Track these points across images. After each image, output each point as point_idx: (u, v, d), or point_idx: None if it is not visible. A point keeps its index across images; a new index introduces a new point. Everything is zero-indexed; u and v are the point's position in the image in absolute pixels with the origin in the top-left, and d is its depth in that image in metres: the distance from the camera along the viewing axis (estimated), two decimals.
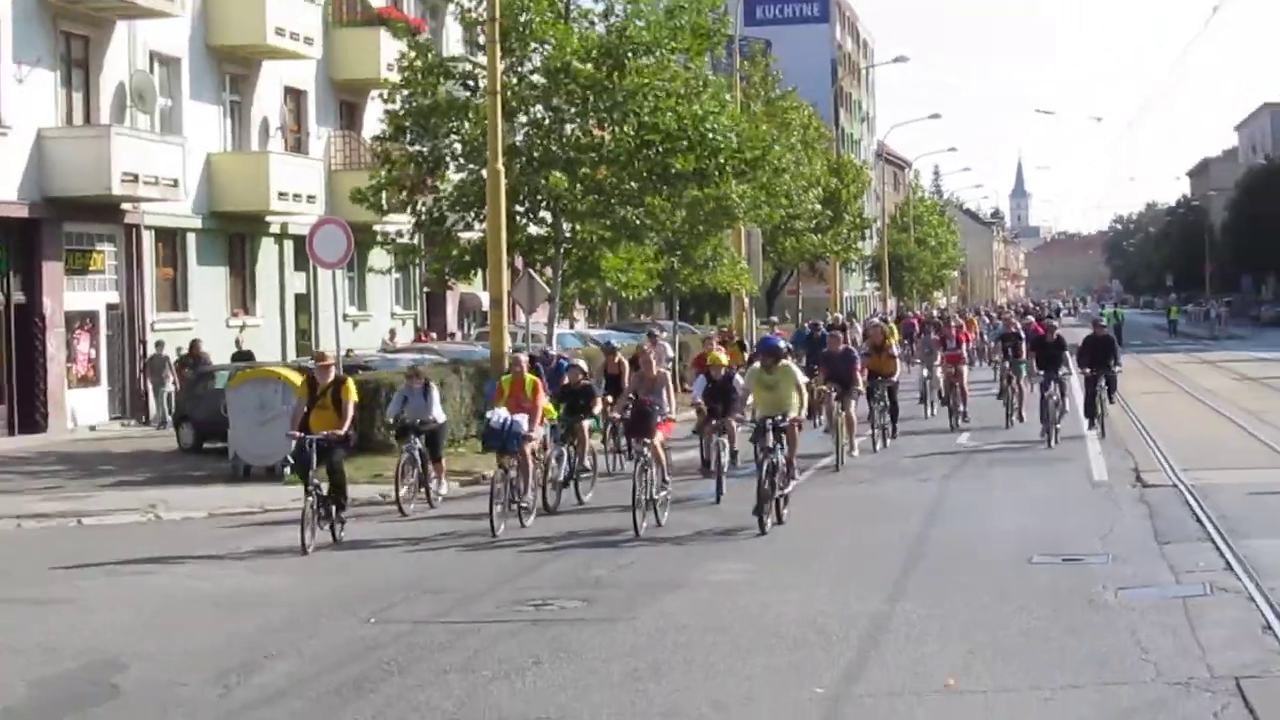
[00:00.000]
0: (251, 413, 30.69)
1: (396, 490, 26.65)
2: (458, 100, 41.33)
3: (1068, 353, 38.58)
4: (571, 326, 55.62)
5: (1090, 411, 36.43)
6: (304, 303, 54.54)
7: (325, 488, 22.95)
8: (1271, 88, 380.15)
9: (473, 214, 41.02)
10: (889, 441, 35.99)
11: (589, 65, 39.75)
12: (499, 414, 24.09)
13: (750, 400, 24.92)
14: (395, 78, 44.82)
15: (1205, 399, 49.98)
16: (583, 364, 30.07)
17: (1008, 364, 40.82)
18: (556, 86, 40.43)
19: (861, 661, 15.02)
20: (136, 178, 43.46)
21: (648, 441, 24.10)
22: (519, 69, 40.92)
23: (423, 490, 27.51)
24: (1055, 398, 35.24)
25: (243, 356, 42.46)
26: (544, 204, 41.27)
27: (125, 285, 46.22)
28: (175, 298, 48.90)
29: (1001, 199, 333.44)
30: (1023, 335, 41.88)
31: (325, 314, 52.38)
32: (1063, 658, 14.85)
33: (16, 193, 41.31)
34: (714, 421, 27.46)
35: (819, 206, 79.23)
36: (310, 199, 51.58)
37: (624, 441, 30.45)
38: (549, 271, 42.86)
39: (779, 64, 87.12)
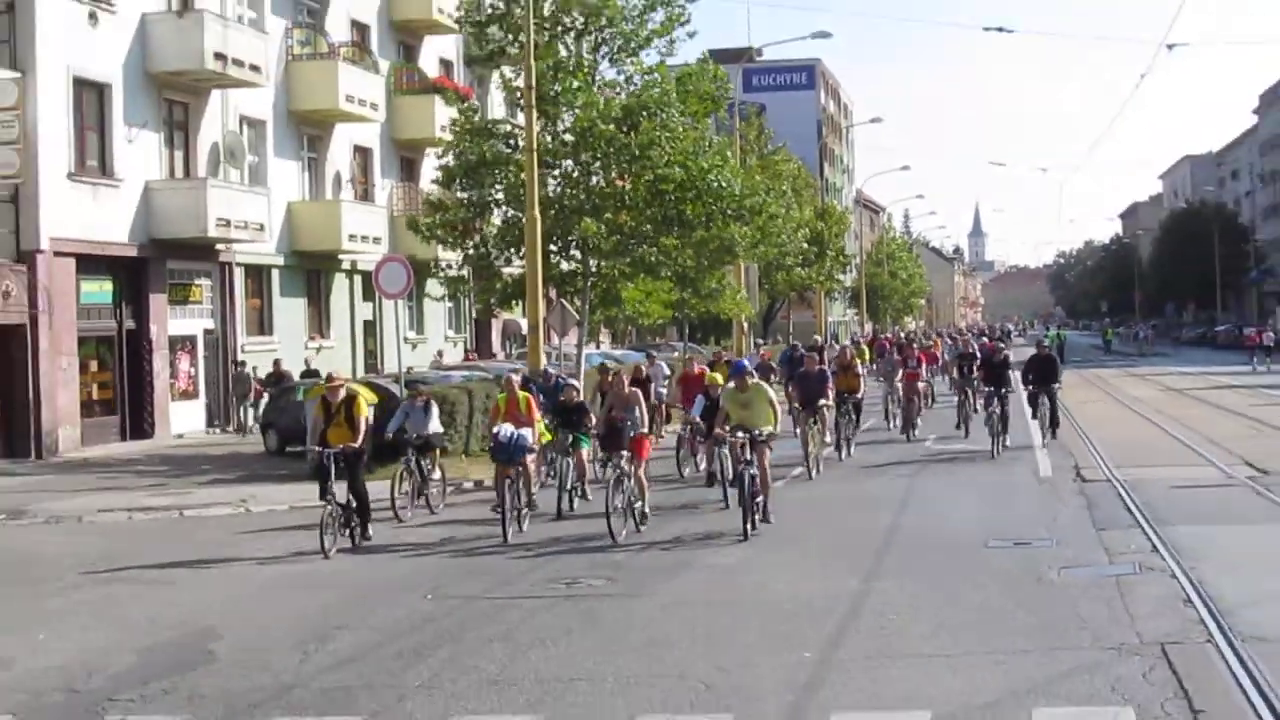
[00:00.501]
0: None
1: (393, 498, 24.97)
2: (500, 156, 41.34)
3: (1012, 371, 37.43)
4: (597, 347, 55.48)
5: (1038, 420, 36.06)
6: (370, 328, 54.53)
7: (342, 496, 21.47)
8: (1191, 142, 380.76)
9: (513, 252, 41.06)
10: (852, 451, 34.10)
11: (610, 126, 39.80)
12: (505, 429, 22.86)
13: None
14: (447, 137, 44.94)
15: (1134, 407, 49.93)
16: (576, 383, 28.62)
17: (963, 379, 40.59)
18: (584, 144, 40.48)
19: (843, 631, 15.05)
20: (229, 223, 43.62)
21: (623, 454, 22.37)
22: (552, 129, 40.94)
23: (421, 497, 25.87)
24: (998, 412, 33.31)
25: (309, 374, 42.33)
26: (574, 244, 41.28)
27: (219, 314, 46.35)
28: (261, 324, 48.96)
29: (961, 238, 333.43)
30: (977, 355, 41.38)
31: (389, 337, 52.51)
32: (1014, 627, 14.89)
33: (127, 235, 41.45)
34: (714, 435, 24.69)
35: (806, 245, 79.84)
36: (375, 240, 51.61)
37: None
38: (578, 301, 42.82)
39: (771, 124, 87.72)
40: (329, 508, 20.91)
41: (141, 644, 15.53)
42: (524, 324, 43.63)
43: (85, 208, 39.73)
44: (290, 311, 50.57)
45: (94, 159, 40.59)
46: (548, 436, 26.13)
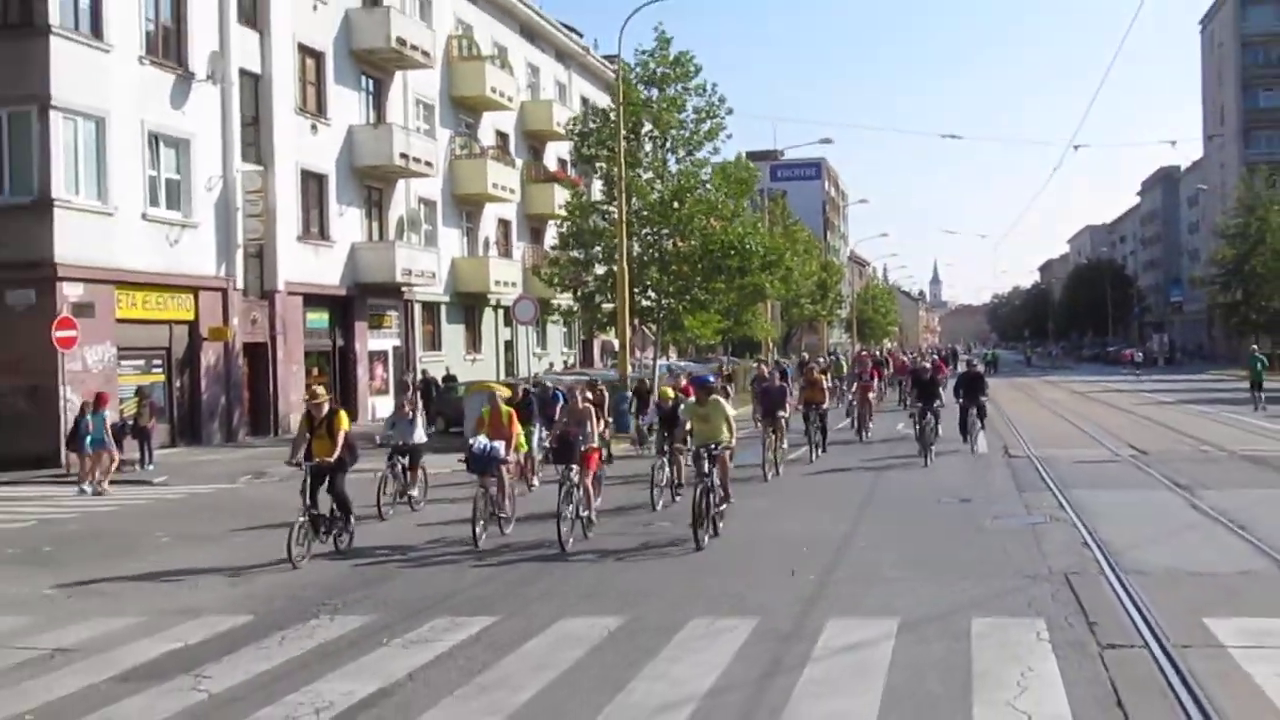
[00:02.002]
0: (475, 410, 30.56)
1: (378, 500, 20.33)
2: (599, 227, 41.54)
3: (942, 388, 31.61)
4: (666, 360, 55.35)
5: (964, 430, 29.83)
6: (509, 345, 54.57)
7: (324, 506, 16.74)
8: (1089, 215, 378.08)
9: (609, 294, 41.15)
10: (821, 454, 28.53)
11: (659, 201, 40.38)
12: (480, 441, 18.10)
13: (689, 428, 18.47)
14: (563, 213, 45.24)
15: (1047, 405, 49.47)
16: (576, 394, 20.58)
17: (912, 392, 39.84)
18: (650, 218, 40.75)
19: (836, 561, 14.90)
20: (410, 272, 43.78)
21: (572, 466, 17.17)
22: (633, 206, 41.00)
23: (405, 498, 21.35)
24: (930, 424, 27.47)
25: (449, 379, 42.40)
26: (649, 288, 41.46)
27: (403, 335, 46.38)
28: (433, 343, 48.97)
29: (924, 283, 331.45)
30: (925, 371, 32.77)
31: (521, 352, 52.63)
32: (958, 560, 14.70)
33: (339, 280, 41.64)
34: (673, 446, 20.60)
35: (814, 289, 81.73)
36: (512, 284, 51.63)
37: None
38: (653, 327, 43.07)
39: (790, 203, 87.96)
40: (302, 518, 15.94)
41: (342, 567, 15.54)
42: (615, 343, 43.68)
43: (309, 261, 39.91)
44: (453, 334, 50.49)
45: (315, 227, 40.73)
46: (524, 446, 21.03)
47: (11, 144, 29.82)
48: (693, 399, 18.69)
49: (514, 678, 9.90)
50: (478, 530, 16.78)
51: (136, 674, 10.35)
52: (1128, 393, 57.07)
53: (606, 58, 61.74)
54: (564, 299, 46.41)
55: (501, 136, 54.57)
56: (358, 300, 42.85)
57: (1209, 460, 25.93)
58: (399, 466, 21.46)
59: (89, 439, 25.69)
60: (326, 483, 16.76)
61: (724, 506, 17.48)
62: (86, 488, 25.19)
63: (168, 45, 34.04)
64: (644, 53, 41.40)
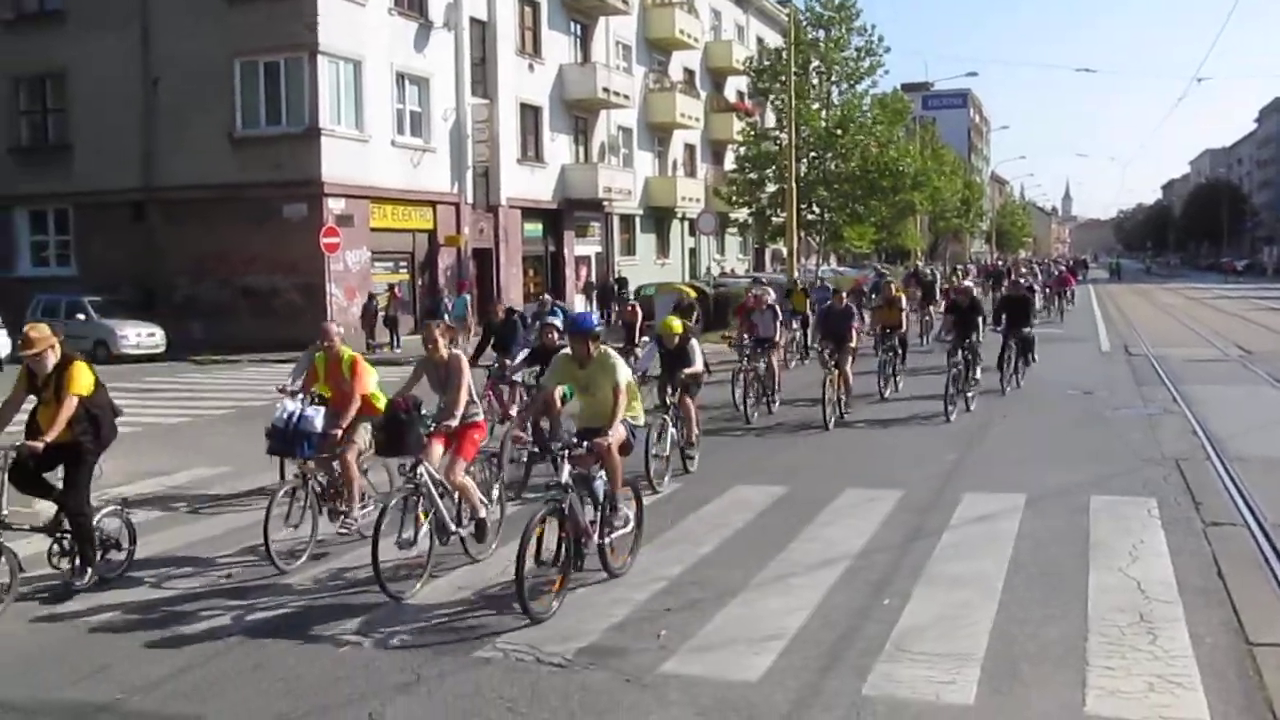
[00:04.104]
0: (664, 307, 30.35)
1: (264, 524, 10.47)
2: (771, 152, 41.11)
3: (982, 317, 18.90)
4: (829, 264, 54.69)
5: (1001, 369, 19.59)
6: (693, 253, 54.43)
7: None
8: (1209, 139, 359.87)
9: (779, 209, 40.80)
10: (898, 388, 19.72)
11: (825, 129, 39.73)
12: (284, 408, 9.69)
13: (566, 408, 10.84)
14: (739, 138, 44.80)
15: (1163, 308, 47.78)
16: (558, 322, 13.11)
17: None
18: (817, 142, 40.15)
19: (978, 441, 14.74)
20: (610, 189, 43.83)
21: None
22: (801, 133, 40.39)
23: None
24: (961, 367, 17.53)
25: (620, 283, 42.16)
26: (814, 204, 40.98)
27: (604, 243, 46.62)
28: (629, 249, 49.17)
29: (1056, 199, 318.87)
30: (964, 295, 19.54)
31: (702, 258, 52.58)
32: (1081, 446, 14.40)
33: (550, 196, 41.90)
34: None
35: (959, 204, 78.89)
36: (696, 200, 51.26)
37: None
38: (817, 238, 42.63)
39: (938, 128, 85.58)
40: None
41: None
42: (784, 251, 43.40)
43: (526, 180, 40.26)
44: (645, 242, 50.45)
45: (531, 150, 40.99)
46: (380, 400, 10.09)
47: (288, 84, 30.76)
48: (565, 354, 9.05)
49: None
50: (276, 560, 8.96)
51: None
52: (1237, 298, 54.63)
53: (779, 1, 60.48)
54: (740, 213, 46.21)
55: (688, 72, 53.96)
56: (566, 213, 43.15)
57: None
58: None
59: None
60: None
61: (628, 527, 8.85)
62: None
63: None
64: None
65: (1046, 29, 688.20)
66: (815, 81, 42.31)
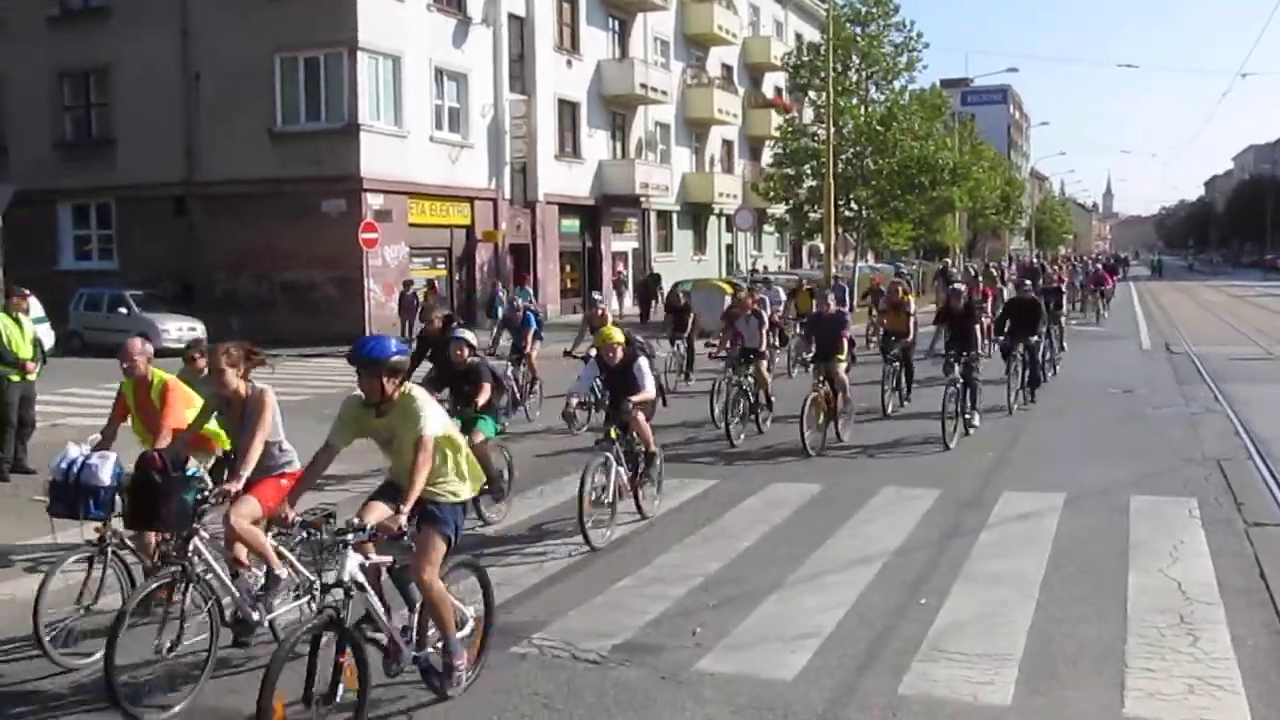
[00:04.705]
0: (702, 301, 30.10)
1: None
2: (809, 147, 41.00)
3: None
4: (866, 262, 54.42)
5: (1010, 382, 17.14)
6: (729, 249, 54.32)
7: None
8: (1253, 135, 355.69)
9: (815, 205, 40.68)
10: (904, 403, 17.17)
11: (867, 126, 39.49)
12: (66, 454, 7.07)
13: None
14: (777, 134, 44.74)
15: (1205, 305, 47.33)
16: (470, 336, 10.66)
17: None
18: (857, 139, 40.00)
19: (1014, 441, 14.61)
20: (647, 185, 43.80)
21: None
22: (839, 130, 40.19)
23: None
24: (958, 386, 14.61)
25: (654, 277, 41.71)
26: (851, 201, 40.84)
27: (641, 239, 46.62)
28: (666, 245, 49.14)
29: (1097, 195, 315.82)
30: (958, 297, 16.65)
31: (740, 254, 52.43)
32: (1120, 444, 14.29)
33: (588, 192, 41.93)
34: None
35: (998, 201, 78.58)
36: (733, 196, 51.08)
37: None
38: (854, 235, 42.53)
39: (978, 125, 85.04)
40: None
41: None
42: (822, 247, 43.28)
43: (563, 175, 40.30)
44: (682, 238, 50.44)
45: (569, 146, 41.04)
46: (223, 438, 7.81)
47: (327, 80, 30.94)
48: (356, 396, 6.27)
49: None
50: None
51: None
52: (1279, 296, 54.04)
53: None
54: (777, 209, 46.06)
55: (726, 68, 53.85)
56: (603, 208, 43.17)
57: None
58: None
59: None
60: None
61: (466, 671, 6.38)
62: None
63: None
64: None
65: (1087, 24, 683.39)
66: (854, 78, 42.18)
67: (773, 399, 15.78)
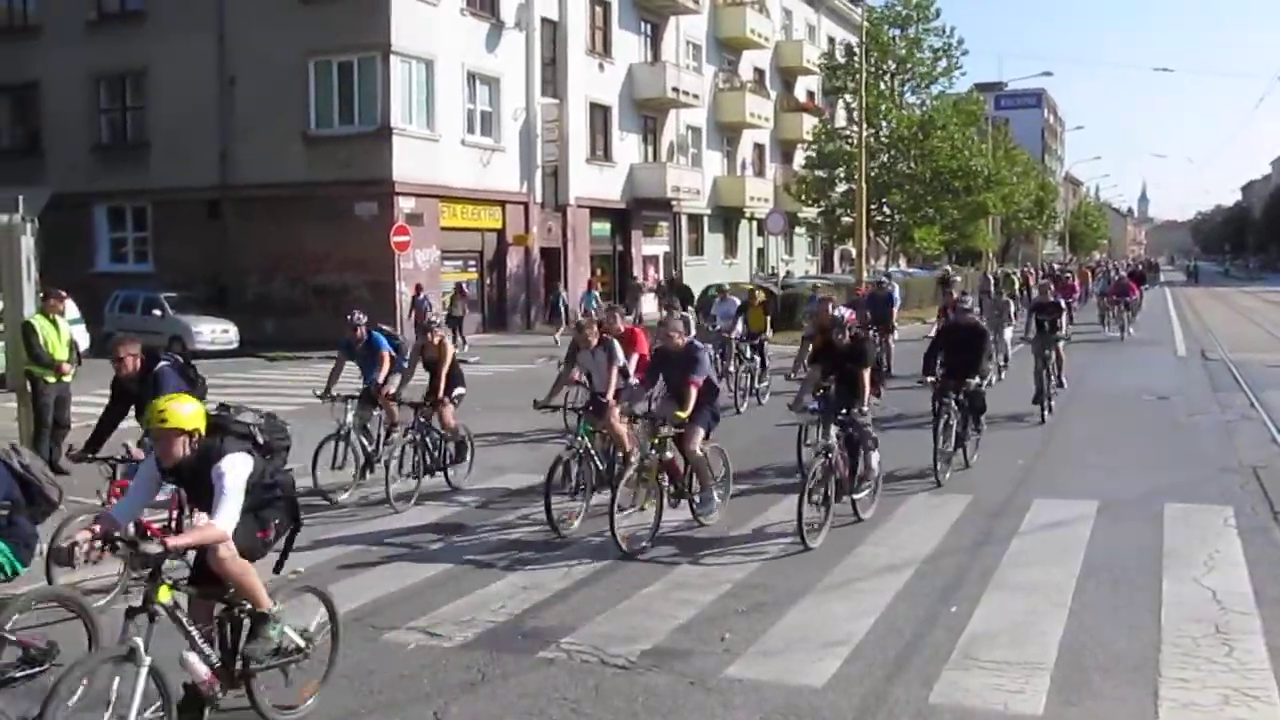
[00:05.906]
0: (720, 309, 29.88)
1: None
2: (842, 150, 40.90)
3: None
4: (899, 266, 54.23)
5: (1039, 388, 16.73)
6: (761, 253, 54.23)
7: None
8: None
9: (849, 209, 40.58)
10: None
11: (907, 131, 39.24)
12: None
13: None
14: (810, 138, 44.68)
15: (1242, 311, 46.82)
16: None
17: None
18: (892, 144, 39.83)
19: (1045, 448, 14.51)
20: (679, 189, 43.84)
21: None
22: (874, 134, 40.09)
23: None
24: (952, 412, 12.34)
25: (671, 281, 41.63)
26: (884, 205, 40.70)
27: (672, 242, 46.62)
28: (697, 248, 49.12)
29: (1132, 200, 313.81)
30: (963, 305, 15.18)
31: (770, 258, 52.35)
32: (1155, 452, 14.18)
33: (619, 195, 42.04)
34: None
35: (1031, 205, 78.40)
36: (765, 200, 51.02)
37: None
38: (886, 239, 42.37)
39: (1013, 130, 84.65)
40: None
41: None
42: (853, 251, 43.15)
43: (595, 179, 40.39)
44: (713, 242, 50.43)
45: (600, 150, 41.14)
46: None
47: (360, 83, 31.14)
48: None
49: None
50: None
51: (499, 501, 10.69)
52: None
53: (852, 1, 60.13)
54: (809, 213, 46.01)
55: (758, 72, 53.81)
56: (634, 212, 43.22)
57: None
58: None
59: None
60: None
61: None
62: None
63: None
64: None
65: (1121, 28, 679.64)
66: (891, 83, 42.10)
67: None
